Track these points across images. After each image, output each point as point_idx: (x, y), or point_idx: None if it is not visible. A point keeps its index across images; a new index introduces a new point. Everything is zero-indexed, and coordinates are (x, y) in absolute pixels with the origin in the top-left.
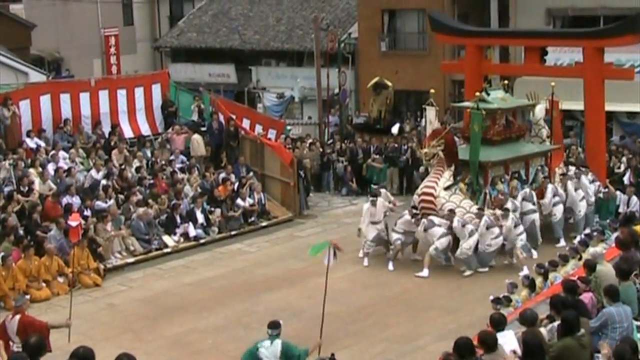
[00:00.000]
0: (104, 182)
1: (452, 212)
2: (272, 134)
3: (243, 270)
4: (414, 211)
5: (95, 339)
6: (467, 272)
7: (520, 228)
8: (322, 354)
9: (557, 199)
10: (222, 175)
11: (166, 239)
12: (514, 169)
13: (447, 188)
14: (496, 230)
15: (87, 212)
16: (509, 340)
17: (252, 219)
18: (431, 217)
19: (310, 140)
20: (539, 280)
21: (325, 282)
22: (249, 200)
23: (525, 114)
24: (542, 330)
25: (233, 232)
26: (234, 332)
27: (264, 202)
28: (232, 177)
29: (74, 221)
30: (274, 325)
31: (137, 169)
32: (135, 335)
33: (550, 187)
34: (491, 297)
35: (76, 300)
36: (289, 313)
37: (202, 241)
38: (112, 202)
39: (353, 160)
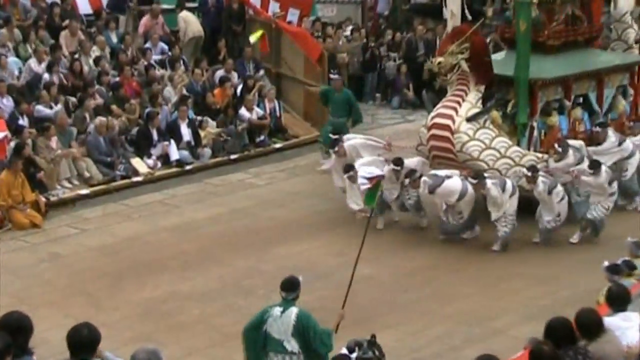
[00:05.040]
0: (47, 77)
1: (535, 169)
2: (293, 15)
3: (246, 212)
4: (396, 167)
5: (33, 304)
6: (496, 247)
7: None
8: (358, 336)
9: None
10: (220, 73)
11: (137, 163)
12: (579, 91)
13: (472, 118)
14: (559, 188)
15: (23, 121)
16: (634, 326)
17: (262, 138)
18: (434, 172)
19: (349, 27)
20: None
21: (368, 222)
22: (258, 111)
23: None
24: None
25: (233, 156)
26: (231, 300)
27: (279, 115)
28: (234, 77)
29: None
30: (290, 286)
31: (97, 61)
32: (89, 299)
33: (610, 131)
34: (605, 263)
35: (5, 247)
36: (311, 274)
37: (188, 168)
38: (59, 107)
39: (410, 58)
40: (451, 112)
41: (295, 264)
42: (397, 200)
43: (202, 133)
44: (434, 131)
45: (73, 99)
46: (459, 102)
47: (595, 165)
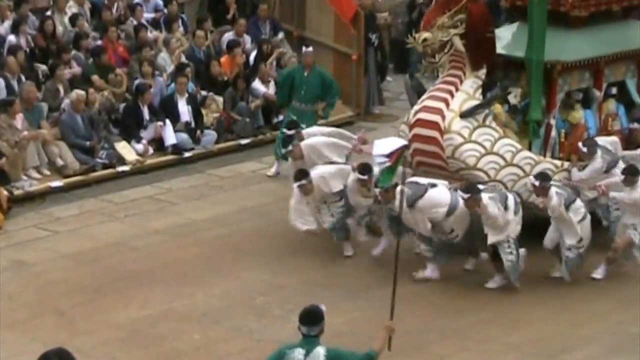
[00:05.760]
0: (13, 39)
1: (546, 177)
2: None
3: (259, 211)
4: (363, 177)
5: None
6: (492, 284)
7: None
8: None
9: None
10: (228, 36)
11: (123, 148)
12: (613, 77)
13: (468, 113)
14: (579, 203)
15: None
16: None
17: (280, 118)
18: (414, 180)
19: None
20: None
21: (399, 229)
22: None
23: None
24: None
25: (243, 142)
26: (240, 322)
27: None
28: (246, 42)
29: None
30: (312, 319)
31: (74, 19)
32: (61, 319)
33: None
34: None
35: None
36: (340, 292)
37: (187, 155)
38: (26, 81)
39: None
40: (441, 105)
41: (320, 278)
42: (364, 219)
43: (205, 112)
44: (418, 130)
45: (43, 67)
46: (451, 92)
47: (631, 171)
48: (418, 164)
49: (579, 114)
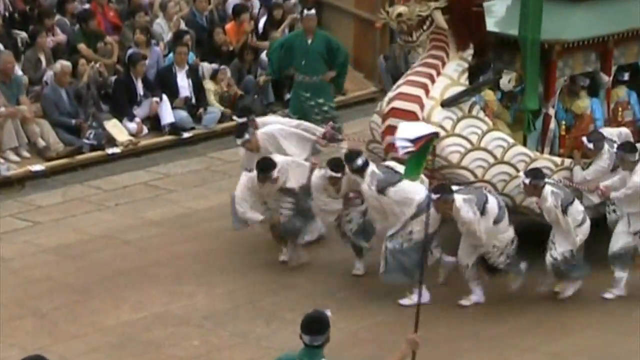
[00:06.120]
0: None
1: (538, 174)
2: None
3: None
4: (335, 174)
5: None
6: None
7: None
8: None
9: None
10: (234, 0)
11: (113, 127)
12: (624, 60)
13: (451, 102)
14: (578, 206)
15: None
16: None
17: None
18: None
19: None
20: None
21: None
22: None
23: None
24: None
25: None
26: (245, 327)
27: None
28: (255, 6)
29: None
30: (316, 326)
31: None
32: (43, 322)
33: None
34: None
35: None
36: (361, 292)
37: (186, 135)
38: (3, 50)
39: None
40: (419, 91)
41: (336, 277)
42: (338, 226)
43: (214, 88)
44: (392, 121)
45: (23, 34)
46: (431, 77)
47: (628, 148)
48: (393, 160)
49: (584, 103)
